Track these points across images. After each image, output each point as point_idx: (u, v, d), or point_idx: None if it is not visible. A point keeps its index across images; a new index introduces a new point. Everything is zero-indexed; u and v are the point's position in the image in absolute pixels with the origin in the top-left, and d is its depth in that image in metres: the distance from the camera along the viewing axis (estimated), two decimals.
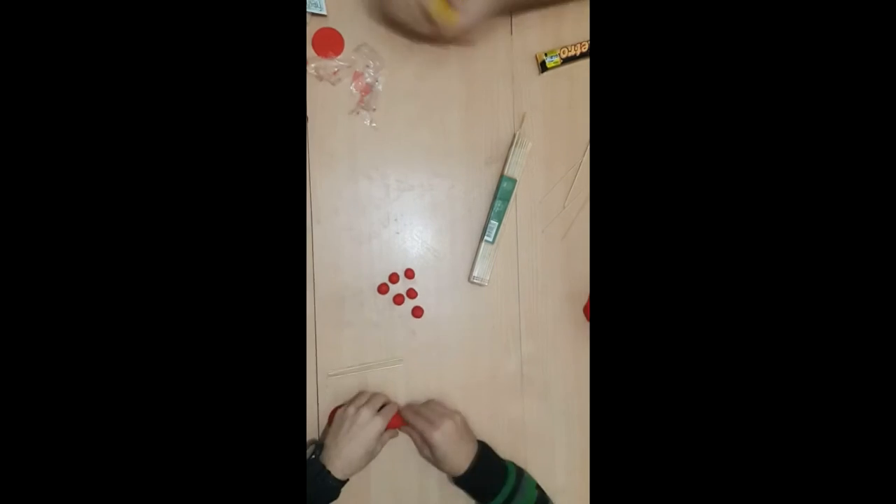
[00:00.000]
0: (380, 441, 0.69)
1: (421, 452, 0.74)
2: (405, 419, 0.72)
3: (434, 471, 0.75)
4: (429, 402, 0.75)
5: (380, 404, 0.71)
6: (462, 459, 0.70)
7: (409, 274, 0.77)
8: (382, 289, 0.76)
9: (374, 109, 0.76)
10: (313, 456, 0.67)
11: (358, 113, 0.76)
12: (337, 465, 0.66)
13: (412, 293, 0.77)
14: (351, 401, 0.72)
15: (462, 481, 0.71)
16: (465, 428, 0.72)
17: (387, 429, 0.70)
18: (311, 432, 0.74)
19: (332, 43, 0.75)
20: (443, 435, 0.69)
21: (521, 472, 0.73)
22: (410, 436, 0.74)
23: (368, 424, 0.67)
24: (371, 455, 0.69)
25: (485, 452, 0.72)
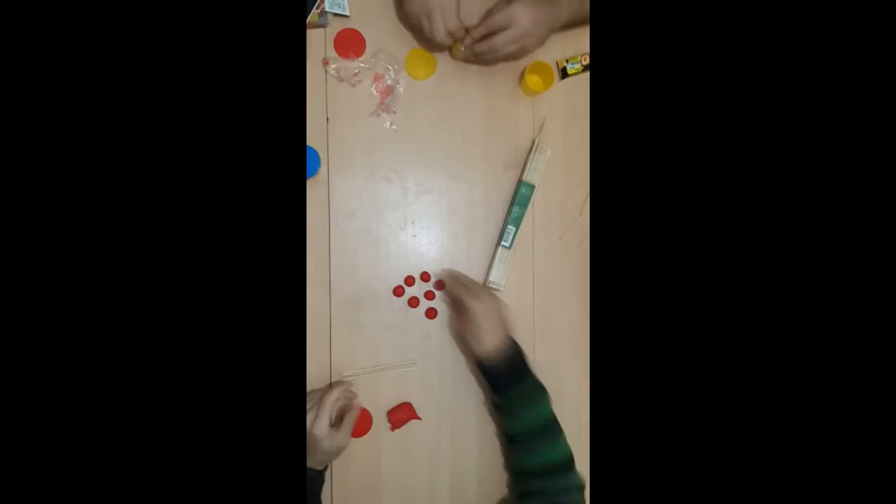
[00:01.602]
0: (344, 440, 0.68)
1: (451, 326, 0.72)
2: (447, 287, 0.72)
3: (445, 466, 0.76)
4: (478, 283, 0.75)
5: (333, 413, 0.67)
6: (491, 340, 0.69)
7: (425, 277, 0.77)
8: (398, 291, 0.76)
9: (395, 112, 0.76)
10: None
11: (378, 115, 0.76)
12: (309, 460, 0.66)
13: (430, 295, 0.77)
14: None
15: (484, 365, 0.71)
16: (504, 316, 0.71)
17: (393, 429, 0.74)
18: None
19: (353, 44, 0.75)
20: (482, 306, 0.69)
21: (543, 387, 0.73)
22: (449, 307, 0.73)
23: (324, 441, 0.65)
24: (338, 452, 0.68)
25: (517, 349, 0.72)
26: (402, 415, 0.75)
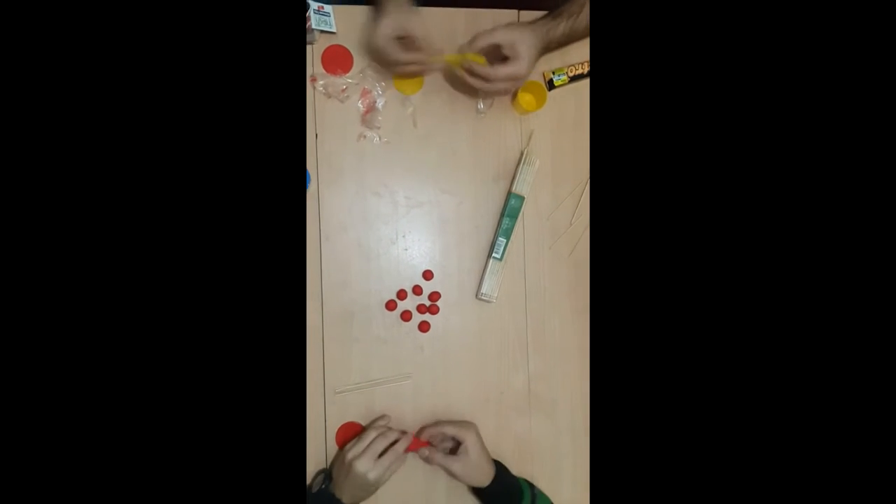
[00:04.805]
0: (386, 475, 0.68)
1: (449, 467, 0.71)
2: (430, 438, 0.72)
3: (441, 481, 0.76)
4: (443, 421, 0.75)
5: (384, 446, 0.69)
6: (489, 468, 0.71)
7: (417, 290, 0.77)
8: (391, 305, 0.76)
9: (379, 127, 0.76)
10: (323, 486, 0.68)
11: (367, 130, 0.76)
12: (346, 496, 0.67)
13: (421, 308, 0.77)
14: (353, 443, 0.69)
15: (487, 492, 0.71)
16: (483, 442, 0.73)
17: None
18: (319, 448, 0.74)
19: (341, 60, 0.76)
20: (476, 438, 0.71)
21: (532, 487, 0.74)
22: (431, 459, 0.72)
23: (369, 473, 0.66)
24: (377, 487, 0.68)
25: (502, 466, 0.74)
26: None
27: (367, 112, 0.76)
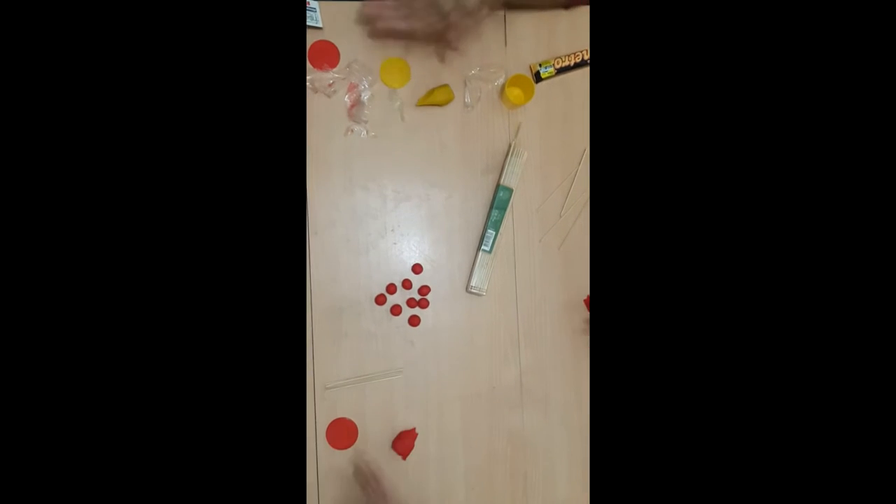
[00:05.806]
0: None
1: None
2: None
3: (433, 474, 0.75)
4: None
5: None
6: None
7: (407, 285, 0.77)
8: (380, 300, 0.76)
9: (366, 121, 0.76)
10: None
11: (354, 124, 0.76)
12: None
13: (411, 303, 0.77)
14: None
15: None
16: None
17: (405, 457, 0.72)
18: (309, 446, 0.73)
19: (327, 55, 0.76)
20: None
21: None
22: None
23: None
24: None
25: None
26: (408, 441, 0.74)
27: (352, 106, 0.76)
